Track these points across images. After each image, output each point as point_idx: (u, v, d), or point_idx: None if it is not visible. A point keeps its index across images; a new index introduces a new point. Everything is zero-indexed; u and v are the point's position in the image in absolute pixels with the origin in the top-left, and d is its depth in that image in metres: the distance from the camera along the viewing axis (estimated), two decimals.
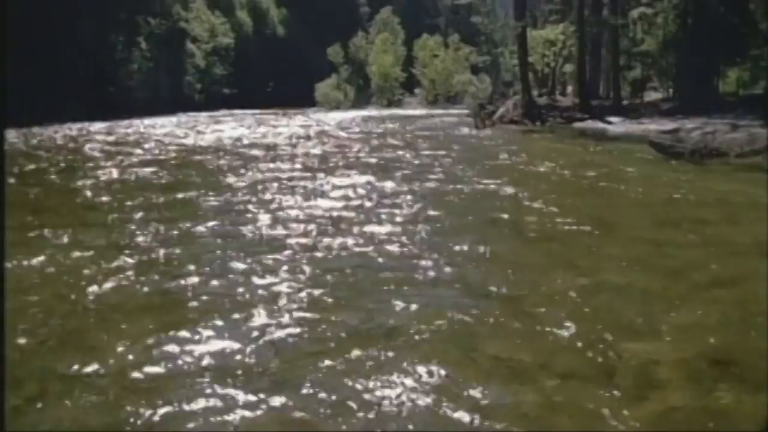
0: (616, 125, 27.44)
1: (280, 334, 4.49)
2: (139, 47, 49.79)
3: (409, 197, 10.00)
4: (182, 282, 5.70)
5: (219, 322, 4.71)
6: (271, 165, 14.65)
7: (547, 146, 20.92)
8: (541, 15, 47.79)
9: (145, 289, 5.56)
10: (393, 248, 6.85)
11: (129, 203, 9.77)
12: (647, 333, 4.59)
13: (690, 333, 4.59)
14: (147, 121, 36.57)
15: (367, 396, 3.66)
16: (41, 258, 6.39)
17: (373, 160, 15.65)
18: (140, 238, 7.36)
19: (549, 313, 4.91)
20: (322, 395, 3.67)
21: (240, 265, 6.14)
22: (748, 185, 11.69)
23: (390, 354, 4.16)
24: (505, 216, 8.78)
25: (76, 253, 6.63)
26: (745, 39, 30.96)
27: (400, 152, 18.10)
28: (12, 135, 24.22)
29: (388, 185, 11.21)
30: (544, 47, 41.64)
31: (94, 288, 5.47)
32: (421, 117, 44.55)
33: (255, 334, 4.48)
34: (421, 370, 3.94)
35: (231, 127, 31.83)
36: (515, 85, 43.41)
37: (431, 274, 5.97)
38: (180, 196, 10.57)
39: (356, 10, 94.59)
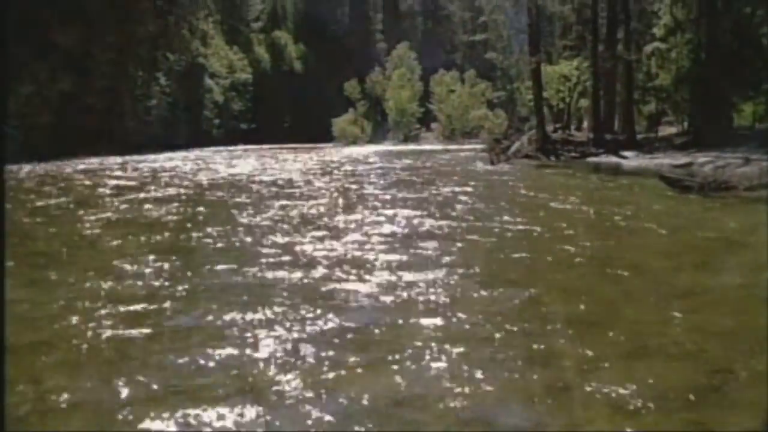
0: (630, 160, 27.49)
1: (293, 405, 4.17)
2: (158, 83, 50.46)
3: (431, 238, 9.81)
4: (186, 337, 5.43)
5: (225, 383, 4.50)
6: (288, 202, 14.49)
7: (563, 182, 20.98)
8: (555, 51, 48.11)
9: (145, 336, 5.36)
10: (419, 297, 6.48)
11: (137, 242, 9.72)
12: None
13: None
14: (164, 155, 36.98)
15: None
16: (40, 300, 6.31)
17: (392, 198, 15.68)
18: (145, 281, 7.17)
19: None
20: None
21: (250, 316, 5.82)
22: (750, 217, 11.97)
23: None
24: (536, 257, 8.63)
25: (76, 297, 6.51)
26: (760, 73, 31.09)
27: (419, 188, 18.19)
28: (26, 170, 24.58)
29: (409, 225, 11.04)
30: (559, 82, 41.95)
31: (87, 336, 5.28)
32: (438, 152, 44.81)
33: (270, 399, 4.23)
34: None
35: (248, 162, 32.14)
36: (531, 120, 43.54)
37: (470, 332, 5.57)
38: (193, 234, 10.47)
39: (373, 46, 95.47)
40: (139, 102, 48.25)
